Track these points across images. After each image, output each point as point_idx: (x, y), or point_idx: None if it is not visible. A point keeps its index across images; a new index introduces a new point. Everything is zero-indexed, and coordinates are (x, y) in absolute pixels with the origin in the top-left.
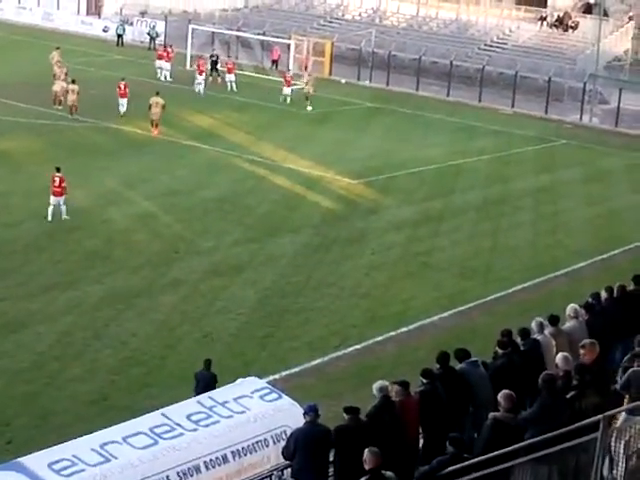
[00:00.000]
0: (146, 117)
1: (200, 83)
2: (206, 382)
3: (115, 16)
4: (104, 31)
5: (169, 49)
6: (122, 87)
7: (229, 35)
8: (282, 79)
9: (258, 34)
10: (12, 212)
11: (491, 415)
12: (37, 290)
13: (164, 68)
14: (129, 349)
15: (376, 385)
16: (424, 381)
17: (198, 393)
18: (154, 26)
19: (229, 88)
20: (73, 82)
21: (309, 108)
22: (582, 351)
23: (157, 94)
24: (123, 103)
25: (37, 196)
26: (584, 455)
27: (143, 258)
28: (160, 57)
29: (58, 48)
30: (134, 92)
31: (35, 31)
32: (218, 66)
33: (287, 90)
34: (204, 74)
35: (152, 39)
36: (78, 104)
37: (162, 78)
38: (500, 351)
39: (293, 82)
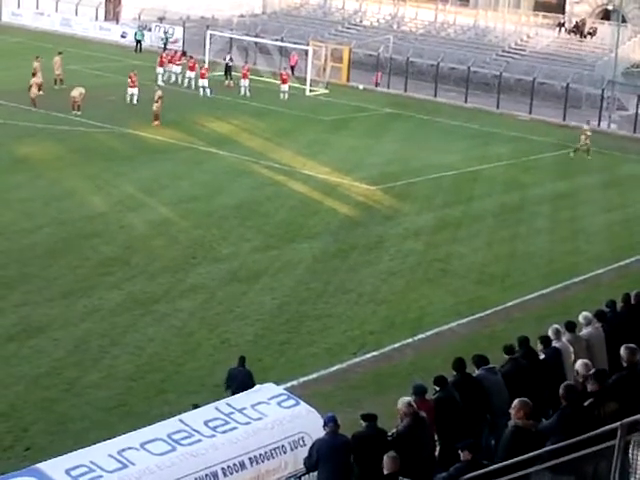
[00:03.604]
0: (167, 123)
1: (205, 86)
2: (243, 379)
3: (133, 22)
4: (122, 37)
5: (163, 54)
6: (132, 77)
7: (247, 41)
8: (279, 77)
9: (276, 40)
10: (32, 218)
11: (511, 422)
12: (56, 296)
13: (176, 72)
14: (147, 355)
15: (403, 403)
16: (436, 388)
17: (233, 390)
18: (166, 31)
19: (242, 93)
20: (34, 75)
21: (589, 157)
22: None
23: (159, 87)
24: (133, 93)
25: (57, 202)
26: (603, 463)
27: (161, 264)
28: (170, 61)
29: (60, 53)
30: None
31: (53, 37)
32: (231, 70)
33: (285, 87)
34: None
35: (165, 43)
36: (38, 98)
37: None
38: (506, 357)
39: (290, 80)
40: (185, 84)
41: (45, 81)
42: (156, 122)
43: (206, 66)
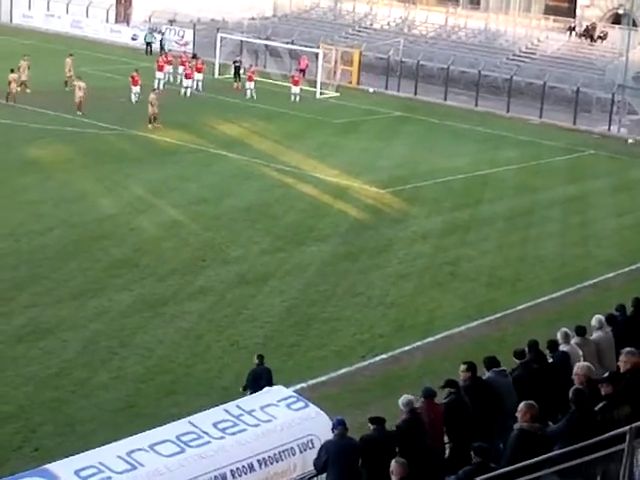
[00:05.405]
0: (175, 126)
1: (188, 87)
2: (268, 377)
3: (144, 24)
4: (133, 39)
5: (160, 59)
6: (135, 77)
7: (257, 44)
8: (290, 80)
9: (286, 43)
10: (42, 220)
11: (517, 425)
12: (65, 297)
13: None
14: (156, 357)
15: (403, 400)
16: (452, 390)
17: (256, 388)
18: (163, 32)
19: (248, 96)
20: (12, 71)
21: None
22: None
23: (153, 91)
24: (136, 91)
25: (67, 204)
26: (612, 466)
27: (170, 266)
28: (161, 68)
29: (71, 55)
30: (162, 102)
31: (64, 39)
32: (241, 72)
33: (296, 89)
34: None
35: (162, 46)
36: (16, 93)
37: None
38: (517, 361)
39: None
40: (194, 86)
41: (51, 83)
42: (158, 125)
43: (189, 65)
